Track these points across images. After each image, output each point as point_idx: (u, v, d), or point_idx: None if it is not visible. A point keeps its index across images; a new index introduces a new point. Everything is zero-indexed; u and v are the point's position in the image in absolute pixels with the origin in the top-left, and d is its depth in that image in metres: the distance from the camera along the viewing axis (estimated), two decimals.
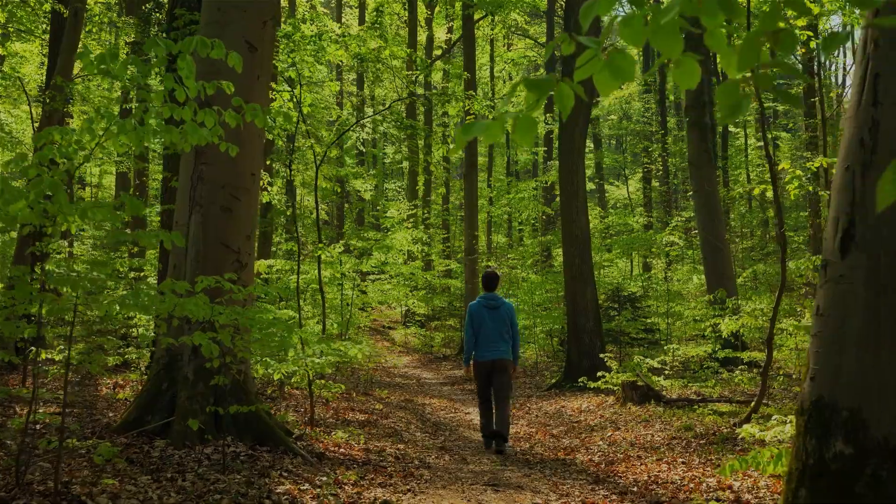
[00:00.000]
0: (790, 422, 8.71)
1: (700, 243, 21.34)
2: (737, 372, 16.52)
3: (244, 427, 8.64)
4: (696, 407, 13.48)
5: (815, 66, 30.55)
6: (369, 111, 40.54)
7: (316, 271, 18.46)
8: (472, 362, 11.23)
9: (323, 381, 11.25)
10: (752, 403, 12.46)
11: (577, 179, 18.62)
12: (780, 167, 11.07)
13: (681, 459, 9.86)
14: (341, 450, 9.51)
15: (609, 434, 12.12)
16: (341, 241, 21.23)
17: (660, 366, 15.63)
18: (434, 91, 15.42)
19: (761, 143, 39.84)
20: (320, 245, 16.52)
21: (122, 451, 7.81)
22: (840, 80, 50.49)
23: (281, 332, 7.19)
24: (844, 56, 45.20)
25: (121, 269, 13.12)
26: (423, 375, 22.38)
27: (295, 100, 13.82)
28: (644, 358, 15.60)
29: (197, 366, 8.50)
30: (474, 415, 15.02)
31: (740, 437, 9.70)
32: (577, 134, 18.74)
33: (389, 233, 24.03)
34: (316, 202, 13.54)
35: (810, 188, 12.28)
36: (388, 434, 11.33)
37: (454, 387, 20.67)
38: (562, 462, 10.24)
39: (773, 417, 9.41)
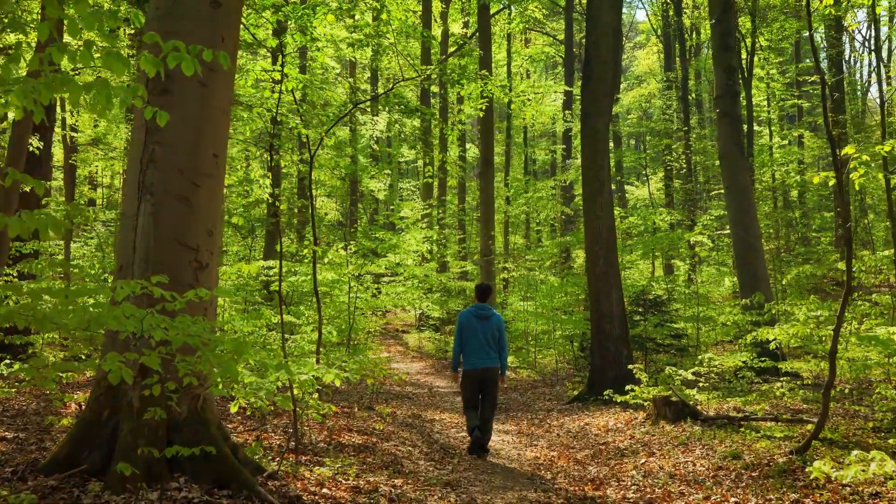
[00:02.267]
0: (876, 459, 6.91)
1: (732, 242, 19.52)
2: (777, 384, 14.73)
3: (201, 465, 6.89)
4: (740, 427, 11.67)
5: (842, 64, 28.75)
6: (381, 112, 38.91)
7: (325, 273, 16.79)
8: (460, 370, 11.47)
9: (312, 401, 9.50)
10: (810, 426, 10.68)
11: (601, 173, 16.81)
12: (842, 152, 9.21)
13: (733, 499, 8.07)
14: (324, 489, 7.73)
15: (643, 461, 10.31)
16: (341, 242, 19.53)
17: (694, 377, 13.83)
18: (447, 68, 13.70)
19: (786, 142, 38.20)
20: (307, 242, 14.75)
21: (45, 498, 6.12)
22: (865, 78, 48.68)
23: (226, 349, 5.49)
24: (869, 54, 43.19)
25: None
26: (435, 384, 20.60)
27: (277, 73, 12.07)
28: (677, 369, 13.79)
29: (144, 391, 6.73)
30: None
31: (810, 475, 7.87)
32: (600, 125, 16.93)
33: (403, 233, 22.24)
34: (310, 194, 11.81)
35: (879, 175, 10.39)
36: (385, 463, 9.54)
37: None
38: (591, 501, 8.45)
39: (832, 443, 7.61)
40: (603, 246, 16.66)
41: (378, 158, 41.45)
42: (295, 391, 9.40)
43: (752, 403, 13.67)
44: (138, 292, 5.22)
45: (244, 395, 6.91)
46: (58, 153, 32.15)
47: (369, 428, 12.03)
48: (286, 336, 15.25)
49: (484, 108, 23.33)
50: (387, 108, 12.99)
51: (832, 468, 7.32)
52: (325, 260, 17.39)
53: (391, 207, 35.81)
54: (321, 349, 15.54)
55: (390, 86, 32.19)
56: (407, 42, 36.23)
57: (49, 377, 6.87)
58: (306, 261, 17.93)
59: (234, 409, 7.18)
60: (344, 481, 8.13)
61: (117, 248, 7.49)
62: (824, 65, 32.65)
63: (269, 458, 8.90)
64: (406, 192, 43.83)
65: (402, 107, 12.49)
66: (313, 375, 6.94)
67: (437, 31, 36.19)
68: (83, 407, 10.63)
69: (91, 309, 5.13)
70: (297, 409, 9.54)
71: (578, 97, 27.38)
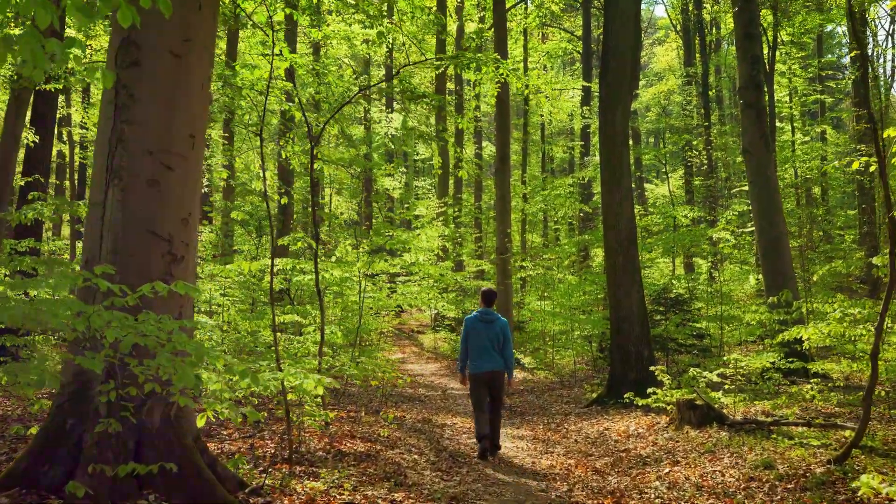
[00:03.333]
0: None
1: (756, 237, 18.64)
2: (807, 386, 13.87)
3: (175, 482, 6.11)
4: (770, 432, 10.83)
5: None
6: (396, 107, 38.18)
7: (333, 272, 16.00)
8: (468, 374, 11.51)
9: (309, 408, 8.72)
10: (847, 433, 9.83)
11: (619, 165, 15.95)
12: (886, 134, 8.37)
13: None
14: None
15: (666, 470, 9.48)
16: (351, 239, 18.76)
17: (720, 379, 12.98)
18: (460, 53, 12.86)
19: (808, 138, 37.25)
20: (300, 235, 13.93)
21: None
22: (889, 73, 47.58)
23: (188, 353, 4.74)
24: (894, 46, 42.11)
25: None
26: (450, 385, 19.78)
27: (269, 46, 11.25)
28: (701, 370, 12.94)
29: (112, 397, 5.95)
30: (501, 440, 12.49)
31: (858, 490, 7.01)
32: (619, 116, 16.08)
33: (415, 230, 21.41)
34: (312, 183, 11.01)
35: None
36: (387, 474, 8.73)
37: None
38: None
39: (872, 451, 6.77)
40: (622, 241, 15.82)
41: (393, 154, 40.76)
42: (291, 396, 8.65)
43: (781, 407, 12.83)
44: (80, 284, 4.45)
45: (209, 406, 6.10)
46: (67, 151, 31.57)
47: (374, 434, 11.24)
48: (291, 336, 14.52)
49: (496, 93, 22.44)
50: (392, 95, 12.07)
51: (881, 482, 6.50)
52: (333, 258, 16.65)
53: (406, 205, 35.00)
54: (327, 350, 14.82)
55: (406, 80, 31.45)
56: (423, 37, 35.44)
57: (24, 381, 6.12)
58: (311, 255, 17.14)
59: (200, 422, 6.35)
60: (338, 496, 7.32)
61: (84, 240, 6.72)
62: (846, 60, 31.84)
63: (260, 468, 8.14)
64: (422, 191, 43.05)
65: (409, 92, 11.69)
66: (291, 382, 6.13)
67: (452, 26, 35.47)
68: None
69: (23, 305, 4.35)
70: (293, 416, 8.79)
71: (596, 94, 26.59)
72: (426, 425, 13.30)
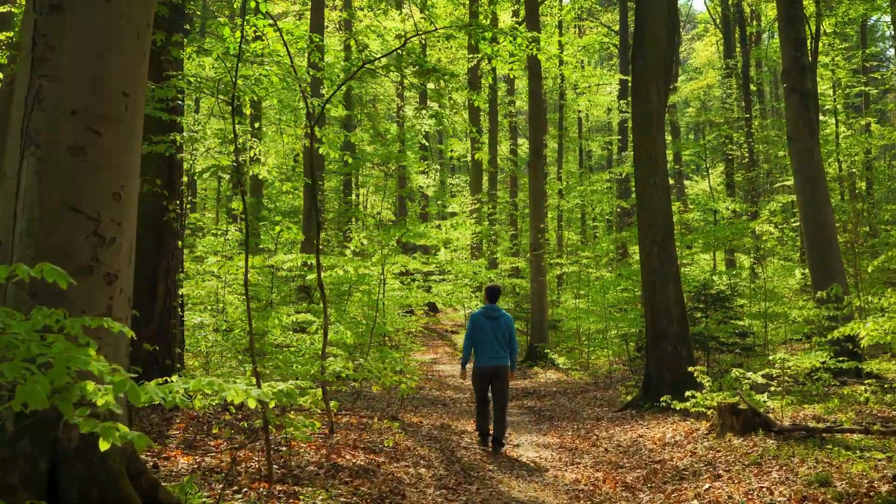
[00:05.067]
0: None
1: (802, 228, 17.18)
2: (861, 388, 12.48)
3: None
4: (823, 441, 9.45)
5: None
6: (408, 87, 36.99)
7: (349, 267, 14.78)
8: (472, 368, 11.57)
9: (290, 417, 7.49)
10: None
11: (654, 151, 14.56)
12: None
13: None
14: None
15: (706, 486, 8.14)
16: (366, 232, 17.56)
17: (765, 381, 11.60)
18: (473, 22, 11.42)
19: (852, 132, 35.64)
20: (284, 227, 12.74)
21: None
22: None
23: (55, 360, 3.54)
24: None
25: None
26: None
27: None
28: (744, 371, 11.58)
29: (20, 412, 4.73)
30: (524, 448, 11.22)
31: None
32: (653, 96, 14.68)
33: (436, 222, 20.16)
34: (311, 170, 9.80)
35: None
36: (382, 494, 7.45)
37: (513, 403, 16.77)
38: None
39: None
40: (657, 231, 14.42)
41: (428, 151, 39.64)
42: (271, 404, 7.43)
43: (834, 411, 11.45)
44: None
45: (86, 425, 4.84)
46: None
47: (381, 444, 9.97)
48: (315, 337, 13.36)
49: (524, 66, 21.14)
50: (399, 69, 10.77)
51: None
52: (348, 252, 15.47)
53: (438, 202, 33.83)
54: (340, 352, 13.66)
55: (417, 53, 30.31)
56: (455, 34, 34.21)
57: None
58: (336, 251, 15.97)
59: (104, 445, 5.12)
60: None
61: None
62: (891, 52, 30.30)
63: (234, 488, 6.93)
64: (456, 189, 41.90)
65: (418, 66, 10.43)
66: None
67: (484, 22, 34.25)
68: None
69: None
70: (272, 428, 7.57)
71: None
72: (443, 432, 12.03)
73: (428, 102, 36.86)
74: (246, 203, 7.94)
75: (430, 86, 27.71)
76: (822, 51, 34.45)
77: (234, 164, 8.65)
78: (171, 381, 4.24)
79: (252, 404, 3.84)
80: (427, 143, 35.09)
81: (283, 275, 19.33)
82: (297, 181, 23.46)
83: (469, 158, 36.18)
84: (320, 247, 18.45)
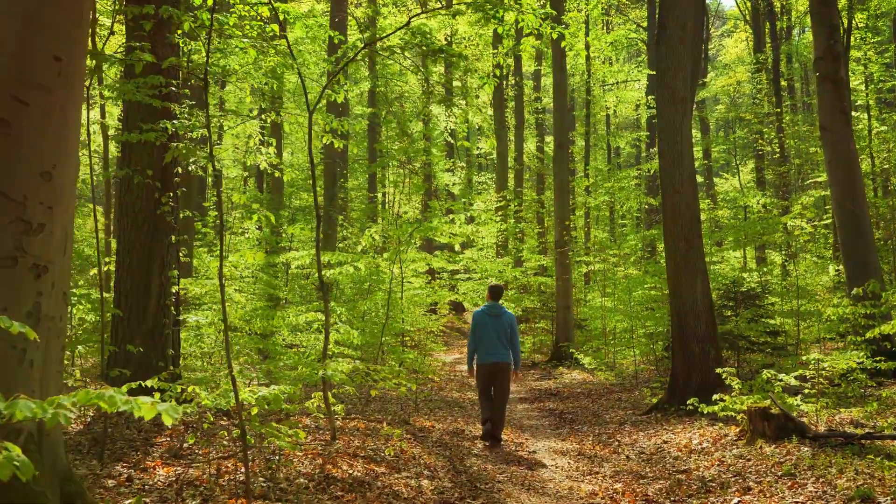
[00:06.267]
0: None
1: (837, 223, 16.19)
2: None
3: None
4: (863, 448, 8.55)
5: None
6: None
7: (358, 264, 14.03)
8: (475, 365, 11.64)
9: (271, 427, 6.73)
10: None
11: (680, 139, 13.65)
12: None
13: None
14: None
15: (735, 501, 7.32)
16: (376, 227, 16.79)
17: (798, 383, 10.69)
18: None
19: (885, 127, 34.57)
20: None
21: None
22: None
23: None
24: None
25: None
26: None
27: None
28: (776, 372, 10.68)
29: None
30: (540, 455, 10.42)
31: None
32: (679, 80, 13.77)
33: (451, 216, 19.33)
34: (310, 158, 9.07)
35: None
36: None
37: (534, 405, 16.00)
38: None
39: None
40: (683, 223, 13.50)
41: (454, 150, 38.87)
42: (254, 411, 6.69)
43: (873, 415, 10.53)
44: None
45: None
46: None
47: (381, 452, 9.16)
48: (304, 337, 12.63)
49: (544, 45, 20.34)
50: (402, 49, 9.96)
51: None
52: (359, 248, 14.71)
53: (463, 201, 33.04)
54: (352, 352, 12.95)
55: (421, 31, 29.67)
56: (479, 30, 33.44)
57: None
58: (357, 250, 15.21)
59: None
60: None
61: None
62: None
63: None
64: (482, 187, 41.14)
65: (425, 46, 9.64)
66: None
67: (509, 17, 33.46)
68: None
69: None
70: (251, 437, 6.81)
71: None
72: (455, 438, 11.23)
73: (454, 101, 36.20)
74: (220, 196, 7.22)
75: (438, 69, 26.94)
76: (854, 45, 33.43)
77: (202, 146, 7.87)
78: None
79: (168, 421, 3.08)
80: (453, 142, 34.27)
81: (305, 272, 18.65)
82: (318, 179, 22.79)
83: (495, 156, 35.43)
84: (339, 245, 17.77)
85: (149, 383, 6.88)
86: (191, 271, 15.76)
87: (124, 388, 4.95)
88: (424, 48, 9.74)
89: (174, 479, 7.01)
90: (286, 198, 25.13)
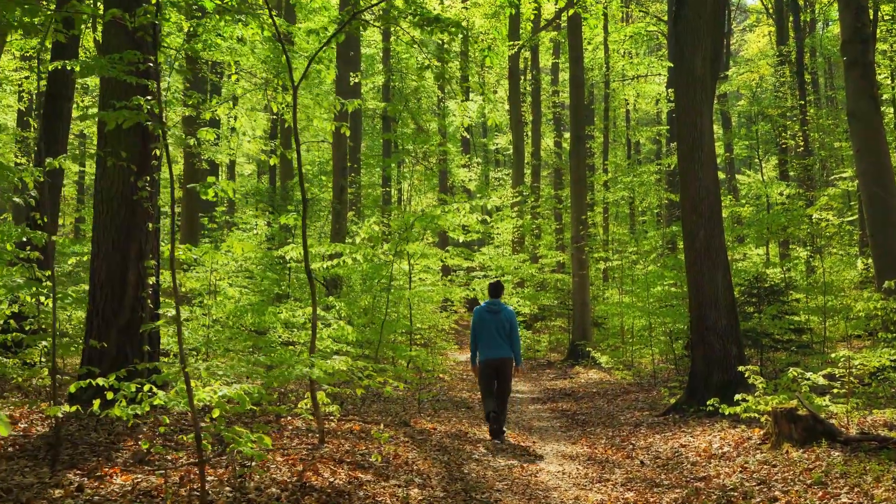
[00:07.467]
0: None
1: (866, 214, 15.25)
2: None
3: None
4: None
5: None
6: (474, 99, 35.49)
7: (357, 255, 13.24)
8: (477, 362, 11.50)
9: (237, 432, 5.94)
10: None
11: (699, 122, 12.75)
12: None
13: None
14: None
15: None
16: (376, 217, 16.00)
17: (826, 382, 9.80)
18: None
19: None
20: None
21: None
22: None
23: None
24: None
25: None
26: (515, 388, 16.75)
27: None
28: (803, 371, 9.81)
29: None
30: (548, 461, 9.59)
31: None
32: (698, 58, 12.88)
33: (454, 205, 18.58)
34: (297, 144, 8.30)
35: None
36: None
37: (546, 405, 15.20)
38: None
39: None
40: (702, 212, 12.60)
41: (470, 145, 38.14)
42: (215, 413, 5.92)
43: None
44: None
45: None
46: None
47: (368, 458, 8.31)
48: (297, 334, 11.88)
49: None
50: (395, 19, 9.15)
51: None
52: (358, 239, 13.92)
53: (479, 196, 32.32)
54: (352, 350, 12.20)
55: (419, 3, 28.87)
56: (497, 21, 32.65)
57: None
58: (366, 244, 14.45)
59: None
60: None
61: None
62: None
63: None
64: (498, 183, 40.38)
65: (419, 17, 8.82)
66: None
67: (527, 8, 32.74)
68: None
69: None
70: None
71: None
72: (456, 441, 10.40)
73: (471, 96, 35.45)
74: (173, 181, 6.47)
75: (437, 38, 26.33)
76: (881, 37, 32.45)
77: (151, 118, 7.08)
78: None
79: (3, 432, 2.31)
80: (469, 137, 33.58)
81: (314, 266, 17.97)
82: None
83: (511, 151, 34.70)
84: (347, 240, 17.00)
85: (100, 381, 6.14)
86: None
87: (72, 388, 4.19)
88: (418, 17, 8.91)
89: (130, 488, 6.23)
90: (291, 190, 24.37)
